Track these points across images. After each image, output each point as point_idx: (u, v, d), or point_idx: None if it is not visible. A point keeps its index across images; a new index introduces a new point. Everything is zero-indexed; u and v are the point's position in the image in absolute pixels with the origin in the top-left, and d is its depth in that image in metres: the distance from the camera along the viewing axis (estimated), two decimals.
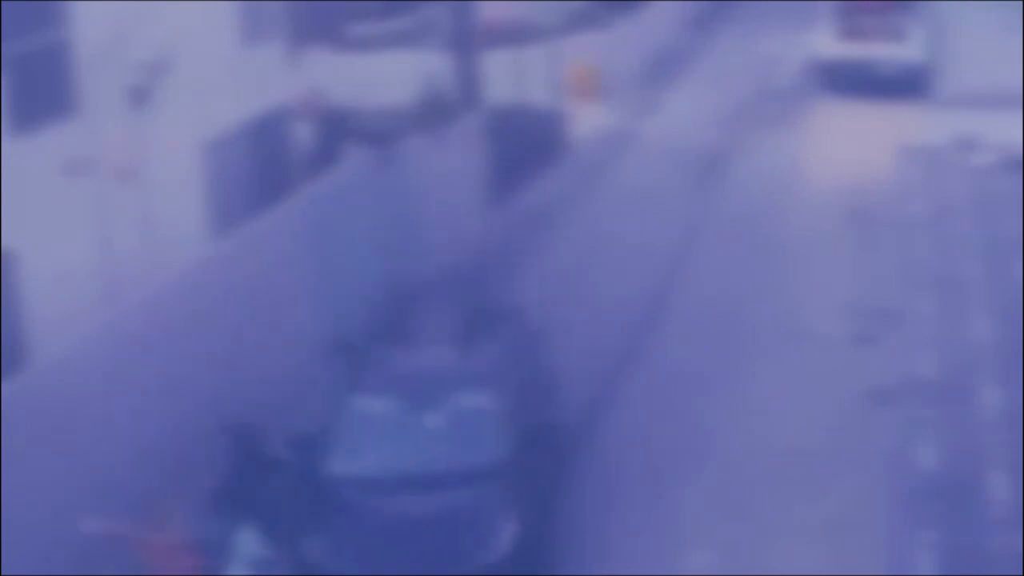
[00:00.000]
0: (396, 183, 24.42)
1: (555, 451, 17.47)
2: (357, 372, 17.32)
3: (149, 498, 16.63)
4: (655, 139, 35.47)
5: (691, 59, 45.04)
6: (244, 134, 24.57)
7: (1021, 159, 30.06)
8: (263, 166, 25.25)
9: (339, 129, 27.42)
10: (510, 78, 33.70)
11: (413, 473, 15.96)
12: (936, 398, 20.06)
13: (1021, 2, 42.17)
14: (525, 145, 31.64)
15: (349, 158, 24.23)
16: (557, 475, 17.42)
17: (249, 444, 16.07)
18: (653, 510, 17.38)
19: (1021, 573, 15.74)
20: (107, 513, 15.92)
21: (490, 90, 31.24)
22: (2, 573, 14.56)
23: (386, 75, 30.35)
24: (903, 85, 37.90)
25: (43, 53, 19.56)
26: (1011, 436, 18.58)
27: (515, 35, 35.31)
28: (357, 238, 23.05)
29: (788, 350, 21.94)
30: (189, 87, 22.13)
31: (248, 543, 15.28)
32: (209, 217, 23.21)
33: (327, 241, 22.01)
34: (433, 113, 27.14)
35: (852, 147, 33.84)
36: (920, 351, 21.64)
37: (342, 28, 33.25)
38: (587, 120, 35.83)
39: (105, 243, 20.29)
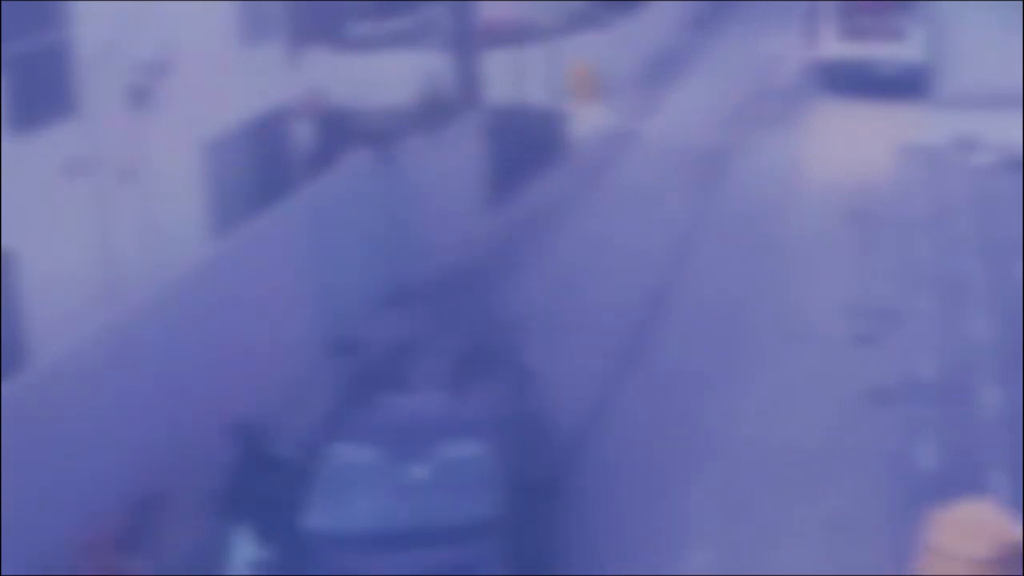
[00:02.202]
0: (396, 183, 24.42)
1: (551, 506, 16.29)
2: (339, 418, 16.22)
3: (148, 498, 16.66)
4: (655, 139, 35.47)
5: (691, 59, 45.05)
6: (244, 134, 24.58)
7: (1021, 159, 30.07)
8: (263, 166, 25.27)
9: (339, 129, 27.43)
10: (510, 78, 33.71)
11: (398, 529, 14.75)
12: (936, 398, 20.05)
13: (1021, 2, 42.18)
14: (525, 145, 31.64)
15: (349, 158, 24.24)
16: (553, 532, 16.20)
17: (249, 444, 16.05)
18: (653, 509, 17.38)
19: (1021, 573, 15.72)
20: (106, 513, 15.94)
21: (490, 90, 31.24)
22: (2, 573, 14.56)
23: (386, 75, 30.40)
24: (903, 85, 37.92)
25: (43, 53, 19.56)
26: (1011, 436, 18.57)
27: (515, 35, 35.33)
28: (357, 238, 23.06)
29: (788, 350, 21.94)
30: (189, 87, 22.14)
31: (247, 543, 15.27)
32: (209, 217, 23.22)
33: (327, 241, 22.01)
34: (433, 113, 27.17)
35: (852, 147, 33.85)
36: (920, 351, 21.64)
37: (342, 28, 33.28)
38: (587, 120, 35.84)
39: (105, 243, 20.29)
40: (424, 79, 28.96)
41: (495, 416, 16.03)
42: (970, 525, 8.56)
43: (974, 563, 8.24)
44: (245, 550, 15.26)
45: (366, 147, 24.36)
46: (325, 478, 15.23)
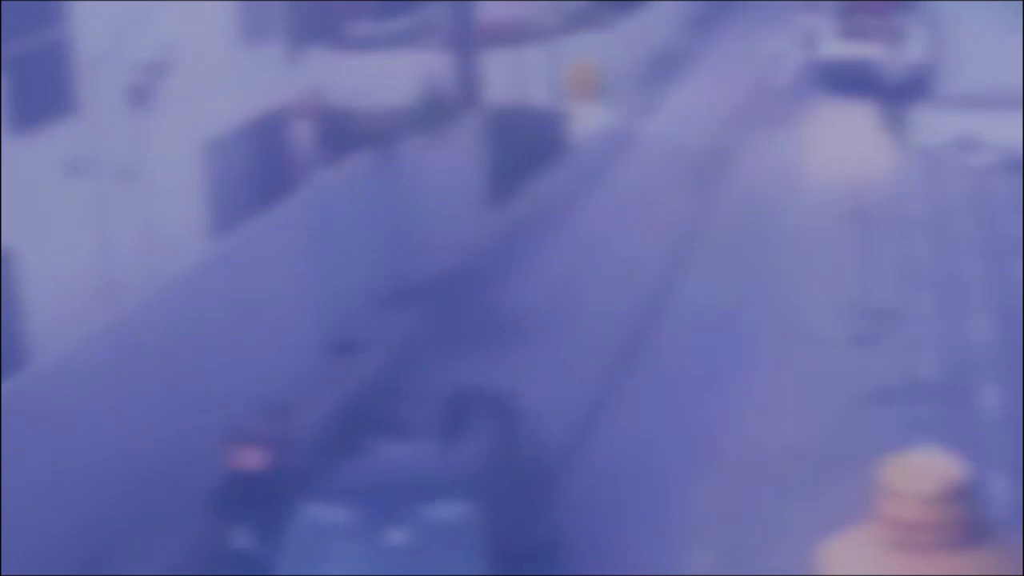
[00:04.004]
0: (396, 183, 24.42)
1: (546, 574, 14.77)
2: (309, 476, 14.79)
3: (148, 498, 16.65)
4: (655, 139, 35.46)
5: (691, 59, 45.04)
6: (244, 134, 24.56)
7: (1021, 159, 30.06)
8: (263, 166, 25.25)
9: (339, 129, 27.42)
10: (510, 78, 33.70)
11: None
12: (936, 398, 20.05)
13: (1021, 2, 42.18)
14: (525, 145, 31.64)
15: (349, 158, 24.23)
16: None
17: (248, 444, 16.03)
18: (653, 509, 17.37)
19: (1021, 574, 15.70)
20: (115, 512, 15.94)
21: (490, 90, 31.23)
22: (2, 573, 14.56)
23: (386, 75, 30.37)
24: (903, 85, 37.90)
25: (43, 53, 19.55)
26: (1011, 436, 18.57)
27: (515, 35, 35.32)
28: (357, 238, 23.05)
29: (788, 350, 21.93)
30: (189, 87, 22.13)
31: (247, 543, 15.25)
32: (209, 217, 23.21)
33: (327, 241, 22.01)
34: (433, 113, 27.16)
35: (852, 147, 33.83)
36: (920, 351, 21.63)
37: (342, 28, 33.28)
38: (587, 120, 35.83)
39: (105, 243, 20.28)
40: (424, 79, 28.94)
41: (484, 473, 14.46)
42: (919, 467, 9.14)
43: (922, 500, 8.87)
44: (243, 550, 15.24)
45: (366, 147, 24.35)
46: (295, 542, 13.79)
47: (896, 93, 37.03)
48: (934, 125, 34.65)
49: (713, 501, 17.52)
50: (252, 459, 15.75)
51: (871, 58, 38.65)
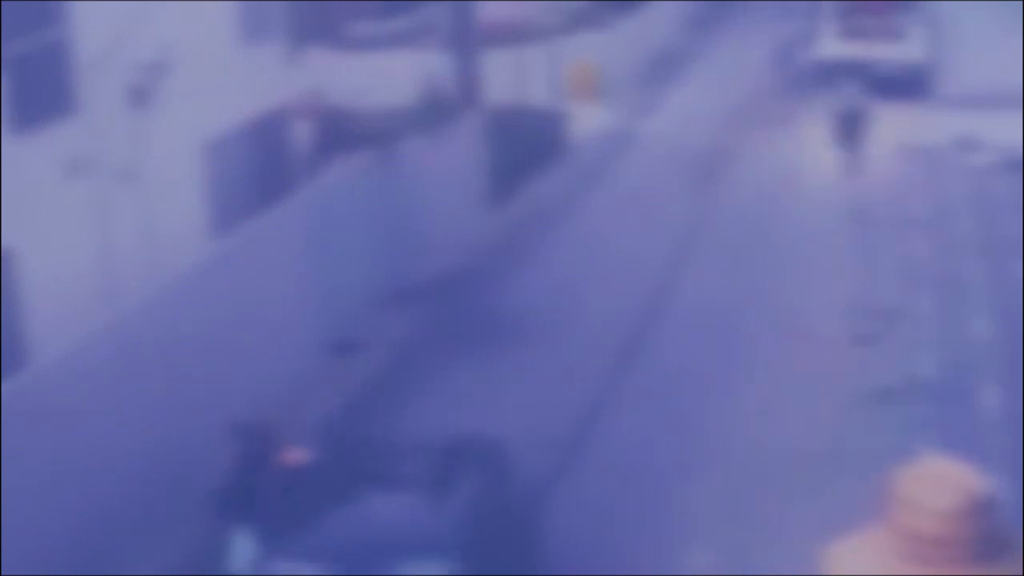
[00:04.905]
0: (396, 183, 24.42)
1: None
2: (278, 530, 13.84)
3: (148, 498, 16.65)
4: (655, 139, 35.47)
5: (691, 59, 45.05)
6: (244, 134, 24.56)
7: (1021, 159, 30.08)
8: (263, 166, 25.25)
9: (339, 129, 27.41)
10: (510, 78, 33.71)
11: None
12: (936, 398, 20.05)
13: (1021, 2, 42.20)
14: (525, 145, 31.64)
15: (348, 158, 24.23)
16: None
17: (249, 444, 16.03)
18: (653, 510, 17.37)
19: (1021, 574, 15.68)
20: (111, 514, 15.94)
21: (490, 90, 31.23)
22: (2, 573, 14.56)
23: (386, 75, 30.38)
24: (903, 85, 37.93)
25: (43, 53, 19.56)
26: (1011, 436, 18.57)
27: (515, 35, 35.32)
28: (357, 238, 23.05)
29: (788, 350, 21.93)
30: (189, 87, 22.13)
31: (247, 543, 15.25)
32: (209, 217, 23.21)
33: (327, 241, 22.01)
34: (433, 113, 27.15)
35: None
36: (920, 351, 21.64)
37: (342, 28, 33.29)
38: (587, 120, 35.84)
39: (105, 243, 20.29)
40: (424, 79, 28.94)
41: (468, 528, 13.57)
42: (936, 477, 8.68)
43: (940, 514, 8.41)
44: (245, 550, 15.24)
45: (366, 147, 24.34)
46: None
47: (885, 94, 37.07)
48: (934, 125, 34.67)
49: (713, 501, 17.53)
50: (252, 460, 15.77)
51: (871, 58, 38.67)
